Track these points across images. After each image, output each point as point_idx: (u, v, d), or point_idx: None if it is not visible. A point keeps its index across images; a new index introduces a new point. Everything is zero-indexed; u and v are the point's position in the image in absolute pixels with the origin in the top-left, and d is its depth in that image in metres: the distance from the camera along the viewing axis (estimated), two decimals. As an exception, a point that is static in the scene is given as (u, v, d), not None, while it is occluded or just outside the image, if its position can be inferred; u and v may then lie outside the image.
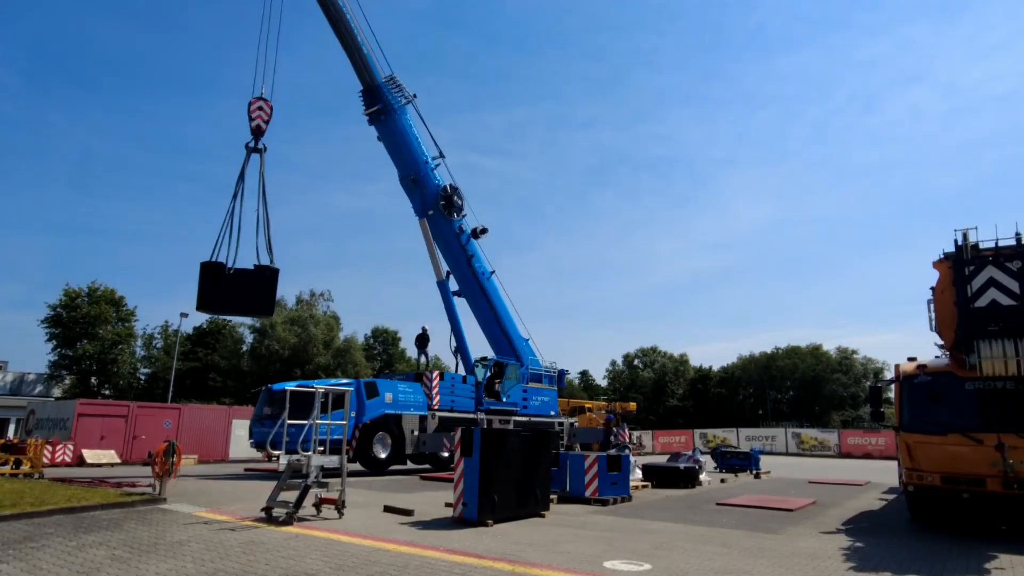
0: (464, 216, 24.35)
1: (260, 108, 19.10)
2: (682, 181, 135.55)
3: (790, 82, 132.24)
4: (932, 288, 10.63)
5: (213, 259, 16.47)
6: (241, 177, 17.08)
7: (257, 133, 18.44)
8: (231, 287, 16.39)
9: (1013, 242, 9.70)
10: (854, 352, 76.71)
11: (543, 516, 11.24)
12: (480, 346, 26.23)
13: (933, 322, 10.67)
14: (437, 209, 23.39)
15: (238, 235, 16.43)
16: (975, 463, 9.34)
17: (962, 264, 9.90)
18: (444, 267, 24.53)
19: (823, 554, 8.34)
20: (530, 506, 11.33)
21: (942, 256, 10.34)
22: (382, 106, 22.17)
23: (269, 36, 18.48)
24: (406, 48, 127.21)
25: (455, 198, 23.73)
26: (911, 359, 11.07)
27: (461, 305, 25.09)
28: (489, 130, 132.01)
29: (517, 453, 11.39)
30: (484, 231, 24.89)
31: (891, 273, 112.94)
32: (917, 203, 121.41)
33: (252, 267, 16.61)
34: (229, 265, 16.47)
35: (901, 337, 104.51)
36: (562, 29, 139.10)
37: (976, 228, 10.00)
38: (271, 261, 16.85)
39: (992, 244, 9.83)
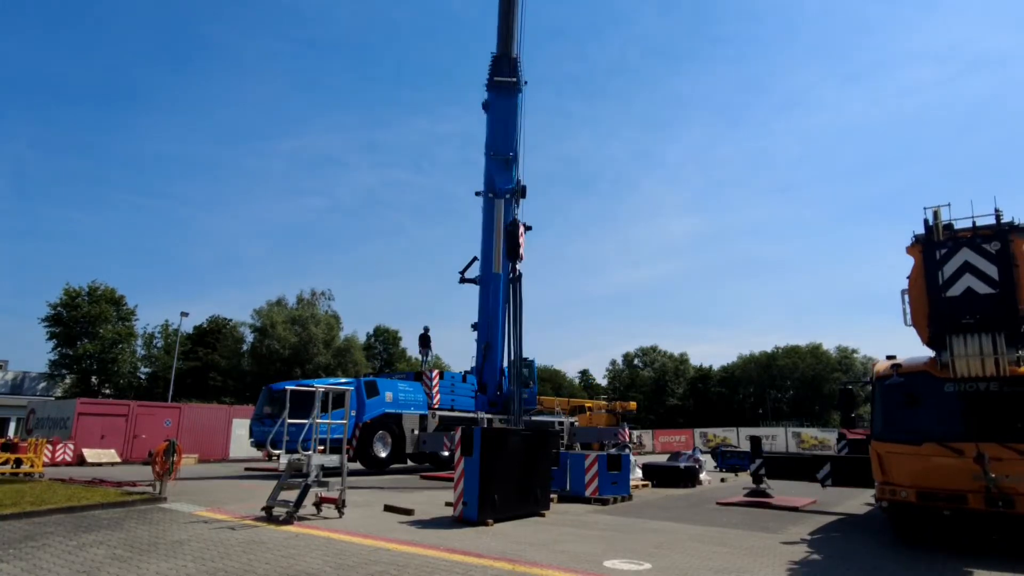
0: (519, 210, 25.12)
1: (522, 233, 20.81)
2: (605, 194, 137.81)
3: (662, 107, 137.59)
4: (908, 277, 9.27)
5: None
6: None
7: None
8: (512, 464, 12.80)
9: (992, 220, 8.58)
10: (854, 351, 76.82)
11: (543, 516, 11.24)
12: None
13: (908, 315, 9.22)
14: (513, 195, 23.39)
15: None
16: (955, 476, 8.17)
17: (933, 247, 8.70)
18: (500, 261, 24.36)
19: (822, 553, 8.34)
20: (530, 505, 11.33)
21: (913, 240, 9.12)
22: (515, 80, 23.40)
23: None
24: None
25: (526, 190, 23.56)
26: (889, 357, 9.90)
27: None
28: (402, 150, 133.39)
29: (518, 453, 11.40)
30: (529, 228, 25.12)
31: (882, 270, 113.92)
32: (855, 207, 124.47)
33: (528, 431, 14.06)
34: None
35: (903, 335, 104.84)
36: (439, 62, 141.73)
37: (949, 205, 8.85)
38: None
39: (969, 224, 8.74)
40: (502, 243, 23.18)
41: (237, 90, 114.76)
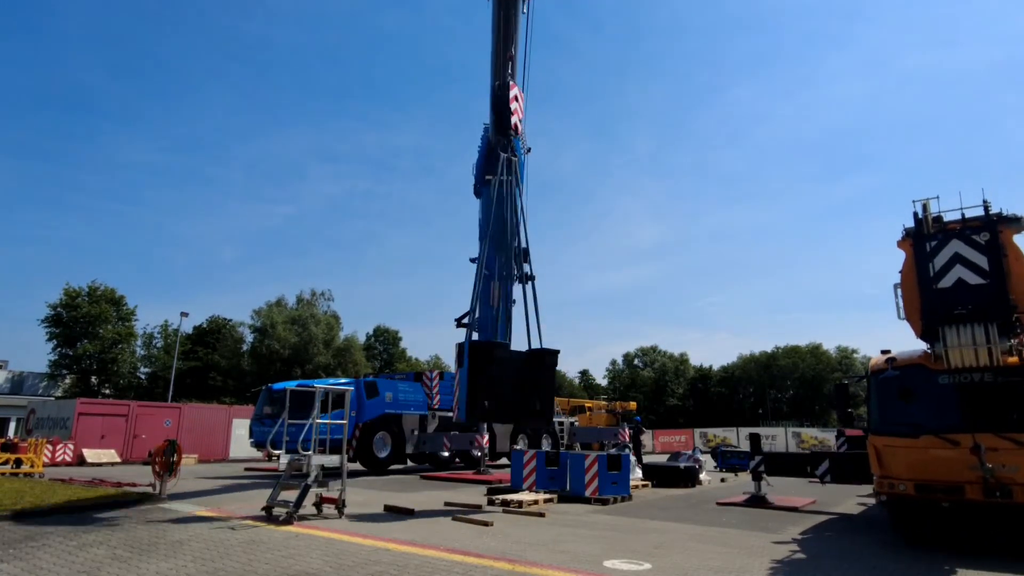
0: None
1: (517, 99, 16.31)
2: (568, 204, 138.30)
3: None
4: (901, 271, 9.38)
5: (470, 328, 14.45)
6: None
7: (514, 133, 15.79)
8: (507, 381, 12.46)
9: (981, 211, 8.61)
10: (854, 351, 76.92)
11: (544, 516, 11.22)
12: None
13: (901, 310, 9.29)
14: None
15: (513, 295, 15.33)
16: (952, 468, 8.17)
17: (923, 239, 8.80)
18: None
19: (823, 553, 8.35)
20: (529, 416, 12.60)
21: (904, 233, 9.20)
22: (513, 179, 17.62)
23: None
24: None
25: (527, 252, 19.81)
26: (884, 352, 9.80)
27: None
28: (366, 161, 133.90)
29: (509, 365, 12.29)
30: (532, 278, 20.43)
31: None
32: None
33: (529, 351, 13.56)
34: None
35: (902, 336, 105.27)
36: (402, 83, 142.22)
37: (938, 197, 8.89)
38: (540, 337, 13.80)
39: (958, 216, 8.78)
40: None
41: (190, 104, 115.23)
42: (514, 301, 19.03)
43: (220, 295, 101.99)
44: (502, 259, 17.10)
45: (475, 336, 16.93)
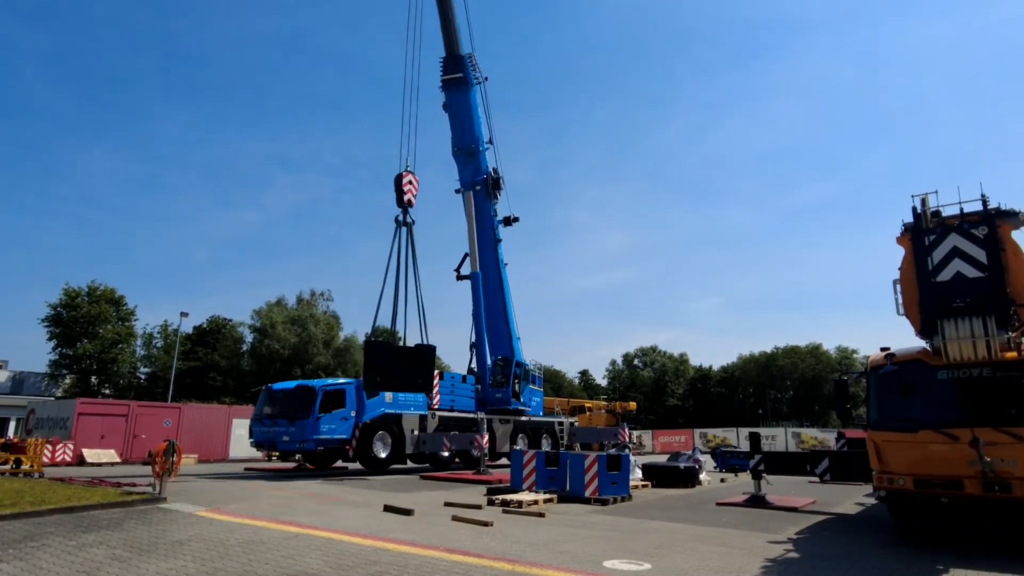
0: (497, 203, 26.05)
1: (411, 182, 21.96)
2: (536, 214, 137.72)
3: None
4: (900, 268, 9.42)
5: (374, 337, 21.88)
6: (392, 253, 21.03)
7: (408, 207, 21.54)
8: (394, 365, 19.62)
9: (979, 206, 8.67)
10: (854, 351, 76.95)
11: (544, 516, 11.21)
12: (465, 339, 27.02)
13: (900, 306, 9.35)
14: (483, 186, 25.14)
15: (404, 310, 20.64)
16: (951, 463, 8.19)
17: (922, 234, 8.87)
18: (478, 259, 25.22)
19: (823, 554, 8.35)
20: (415, 386, 20.05)
21: (903, 229, 9.26)
22: (462, 76, 24.22)
23: (412, 115, 24.27)
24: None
25: (500, 181, 25.68)
26: (883, 349, 9.77)
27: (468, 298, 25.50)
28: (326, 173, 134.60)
29: (396, 354, 19.98)
30: (516, 219, 26.10)
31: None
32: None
33: (413, 346, 20.63)
34: (390, 343, 21.73)
35: (902, 336, 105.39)
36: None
37: (936, 192, 9.01)
38: (426, 337, 21.07)
39: (957, 211, 8.84)
40: (475, 237, 25.00)
41: (143, 117, 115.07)
42: (506, 263, 26.02)
43: (218, 296, 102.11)
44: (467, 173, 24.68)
45: (481, 290, 24.63)
